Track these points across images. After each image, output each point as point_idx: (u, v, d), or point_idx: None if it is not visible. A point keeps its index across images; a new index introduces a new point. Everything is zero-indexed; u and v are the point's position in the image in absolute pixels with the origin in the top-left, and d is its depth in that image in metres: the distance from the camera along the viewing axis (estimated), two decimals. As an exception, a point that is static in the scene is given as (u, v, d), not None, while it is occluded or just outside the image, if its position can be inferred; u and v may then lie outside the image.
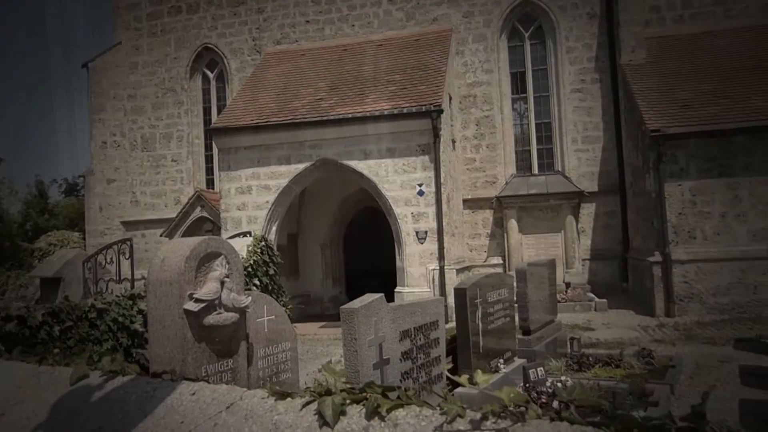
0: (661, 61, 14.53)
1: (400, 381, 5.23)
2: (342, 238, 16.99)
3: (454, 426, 1.27)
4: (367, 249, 17.92)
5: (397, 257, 12.98)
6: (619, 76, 15.16)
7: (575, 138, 16.01)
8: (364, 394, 1.46)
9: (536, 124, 16.67)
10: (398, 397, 1.42)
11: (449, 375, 1.52)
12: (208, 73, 19.18)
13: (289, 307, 8.10)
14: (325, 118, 13.13)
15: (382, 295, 4.96)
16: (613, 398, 5.94)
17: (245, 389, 1.67)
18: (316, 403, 1.47)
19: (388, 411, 1.39)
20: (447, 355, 6.70)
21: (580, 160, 15.94)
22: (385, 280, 13.69)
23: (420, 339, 5.56)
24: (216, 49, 18.71)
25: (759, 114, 11.56)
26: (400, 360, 5.22)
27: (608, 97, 15.74)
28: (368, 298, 4.87)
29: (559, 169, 16.15)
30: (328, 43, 17.50)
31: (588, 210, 15.76)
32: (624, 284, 15.27)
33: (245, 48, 18.43)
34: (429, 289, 12.46)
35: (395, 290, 12.66)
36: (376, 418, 1.41)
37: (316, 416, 1.46)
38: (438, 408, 1.33)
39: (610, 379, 6.74)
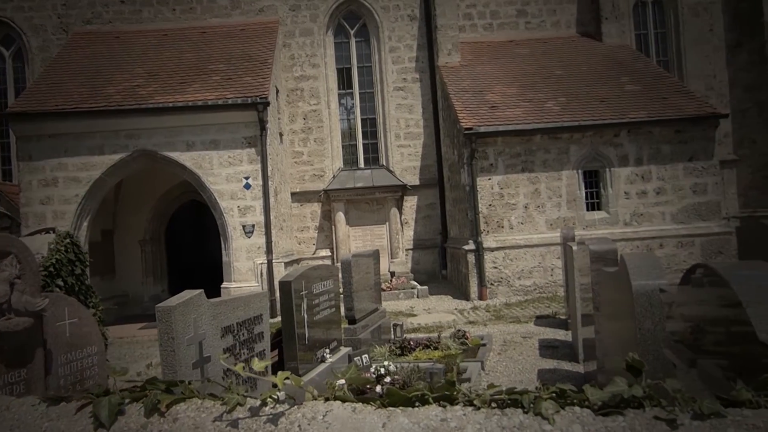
0: (473, 64, 15.72)
1: (222, 378, 5.09)
2: (164, 234, 16.06)
3: (234, 415, 1.27)
4: (193, 244, 17.15)
5: (224, 252, 12.60)
6: (437, 77, 16.15)
7: (398, 134, 16.75)
8: (146, 391, 1.40)
9: (362, 120, 17.17)
10: (182, 392, 1.39)
11: (227, 365, 1.51)
12: (3, 50, 16.94)
13: (99, 308, 7.47)
14: (143, 106, 12.29)
15: (201, 291, 4.77)
16: (430, 378, 6.34)
17: (13, 397, 1.51)
18: (92, 405, 1.38)
19: (168, 406, 1.35)
20: (273, 349, 6.65)
21: (402, 155, 16.72)
22: (213, 276, 13.24)
23: (243, 334, 5.46)
24: (12, 24, 16.58)
25: (553, 117, 13.02)
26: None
27: (428, 95, 16.69)
28: (186, 294, 4.67)
29: (384, 164, 16.81)
30: (147, 26, 16.38)
31: (411, 202, 16.61)
32: (443, 271, 16.34)
33: (49, 25, 16.56)
34: (257, 284, 12.28)
35: (222, 286, 12.29)
36: (156, 414, 1.35)
37: (92, 419, 1.37)
38: (220, 399, 1.32)
39: (428, 361, 7.17)
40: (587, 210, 13.08)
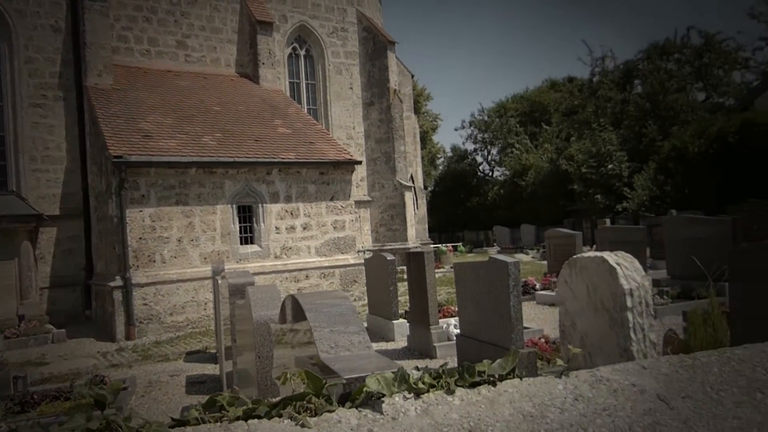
0: (127, 89, 14.93)
1: None
2: None
3: None
4: None
5: None
6: (85, 98, 14.83)
7: (34, 156, 14.76)
8: None
9: (-13, 137, 14.64)
10: None
11: None
12: None
13: None
14: None
15: None
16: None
17: None
18: None
19: None
20: None
21: (39, 180, 14.76)
22: None
23: None
24: None
25: (210, 151, 13.16)
26: None
27: (73, 117, 15.18)
28: None
29: (15, 189, 14.56)
30: None
31: (48, 234, 14.70)
32: (88, 311, 14.84)
33: None
34: None
35: None
36: None
37: None
38: None
39: (53, 415, 6.39)
40: (241, 244, 13.47)
